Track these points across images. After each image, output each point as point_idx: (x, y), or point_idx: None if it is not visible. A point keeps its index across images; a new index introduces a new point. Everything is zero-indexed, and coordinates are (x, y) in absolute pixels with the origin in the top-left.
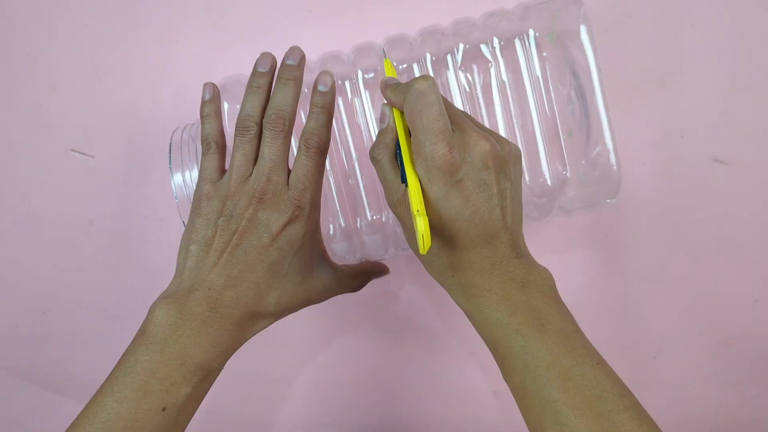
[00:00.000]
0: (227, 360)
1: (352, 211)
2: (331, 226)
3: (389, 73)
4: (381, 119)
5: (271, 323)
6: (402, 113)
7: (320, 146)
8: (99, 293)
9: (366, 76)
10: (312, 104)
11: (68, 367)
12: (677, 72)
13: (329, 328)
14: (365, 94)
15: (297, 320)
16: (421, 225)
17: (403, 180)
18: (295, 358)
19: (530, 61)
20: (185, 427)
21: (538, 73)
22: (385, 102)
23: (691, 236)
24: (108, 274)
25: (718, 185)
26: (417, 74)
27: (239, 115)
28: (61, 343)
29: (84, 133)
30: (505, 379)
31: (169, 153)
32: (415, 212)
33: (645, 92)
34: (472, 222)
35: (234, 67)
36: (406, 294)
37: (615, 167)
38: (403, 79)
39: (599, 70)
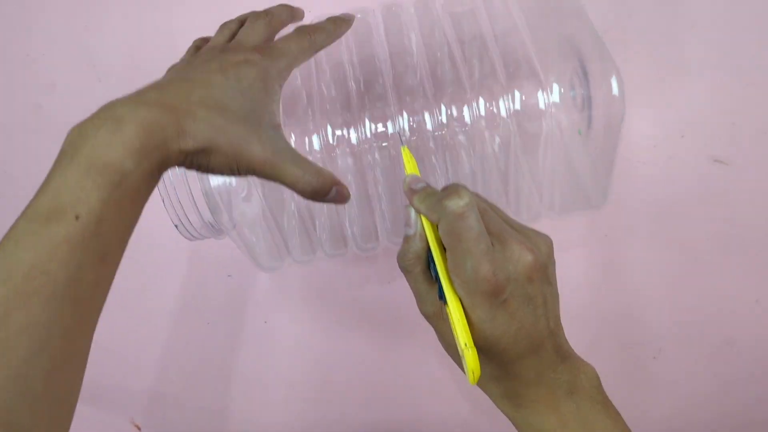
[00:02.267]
0: (150, 169)
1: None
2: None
3: (410, 167)
4: (407, 223)
5: (192, 154)
6: (430, 221)
7: (313, 39)
8: None
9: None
10: (328, 19)
11: None
12: (677, 72)
13: (329, 328)
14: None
15: (297, 320)
16: (471, 359)
17: (440, 296)
18: (295, 358)
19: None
20: (111, 245)
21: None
22: (409, 205)
23: (691, 236)
24: None
25: (718, 185)
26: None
27: None
28: None
29: None
30: None
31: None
32: (464, 346)
33: (645, 92)
34: (518, 337)
35: None
36: (406, 294)
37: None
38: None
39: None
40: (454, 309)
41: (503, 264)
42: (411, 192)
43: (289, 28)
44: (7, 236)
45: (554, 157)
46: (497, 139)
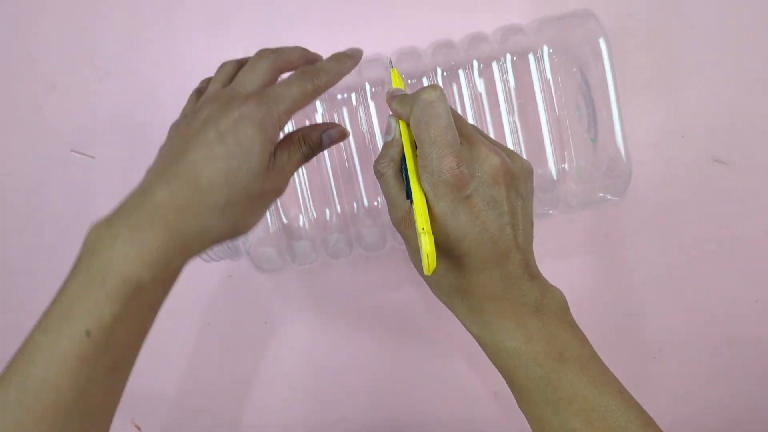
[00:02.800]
0: (168, 275)
1: (349, 203)
2: (328, 210)
3: (396, 83)
4: (386, 131)
5: (214, 239)
6: (408, 125)
7: (316, 85)
8: None
9: (373, 89)
10: (330, 57)
11: None
12: (677, 72)
13: (329, 328)
14: (371, 106)
15: (297, 320)
16: (426, 244)
17: (408, 196)
18: (295, 358)
19: (542, 71)
20: (123, 355)
21: (549, 77)
22: (391, 114)
23: (692, 236)
24: None
25: (718, 185)
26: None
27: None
28: None
29: (84, 133)
30: (521, 408)
31: None
32: (420, 230)
33: (645, 92)
34: (481, 241)
35: None
36: (406, 294)
37: (626, 166)
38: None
39: (615, 82)
40: (416, 197)
41: (469, 161)
42: (391, 98)
43: None
44: (21, 349)
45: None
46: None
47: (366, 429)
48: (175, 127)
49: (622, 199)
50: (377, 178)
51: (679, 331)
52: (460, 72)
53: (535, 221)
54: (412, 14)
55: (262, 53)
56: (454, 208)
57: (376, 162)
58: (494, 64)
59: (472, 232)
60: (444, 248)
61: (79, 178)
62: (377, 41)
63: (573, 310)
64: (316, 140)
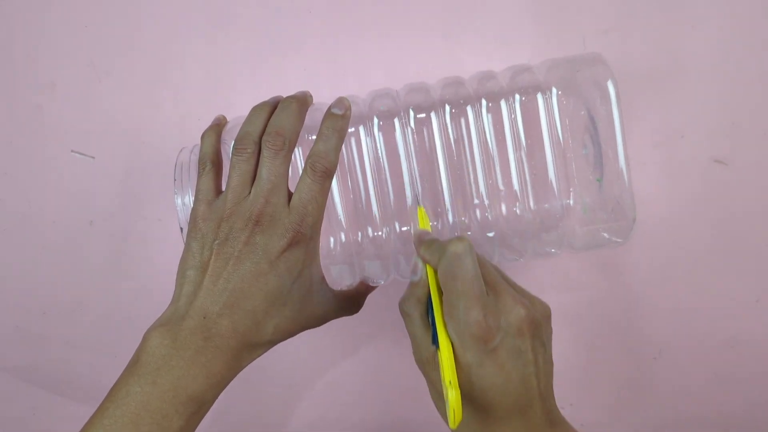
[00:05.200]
0: (221, 391)
1: (354, 229)
2: (332, 239)
3: (423, 223)
4: (413, 271)
5: (267, 350)
6: (435, 270)
7: (327, 170)
8: (99, 294)
9: (418, 115)
10: (323, 126)
11: (68, 368)
12: (677, 72)
13: (330, 328)
14: (408, 132)
15: None
16: (453, 398)
17: (434, 341)
18: (296, 358)
19: (550, 110)
20: None
21: (557, 118)
22: (417, 256)
23: (692, 236)
24: (108, 275)
25: (718, 185)
26: (434, 125)
27: (238, 134)
28: (61, 344)
29: (84, 134)
30: None
31: (174, 173)
32: (447, 383)
33: (645, 92)
34: (506, 392)
35: (234, 68)
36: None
37: (630, 209)
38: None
39: (623, 125)
40: (444, 349)
41: (495, 313)
42: (419, 242)
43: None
44: None
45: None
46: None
47: (366, 429)
48: (205, 225)
49: (626, 242)
50: (402, 316)
51: (679, 331)
52: (468, 108)
53: (540, 257)
54: (412, 15)
55: (274, 145)
56: (480, 359)
57: (403, 301)
58: (502, 102)
59: (497, 383)
60: (469, 397)
61: (79, 178)
62: (378, 42)
63: (574, 310)
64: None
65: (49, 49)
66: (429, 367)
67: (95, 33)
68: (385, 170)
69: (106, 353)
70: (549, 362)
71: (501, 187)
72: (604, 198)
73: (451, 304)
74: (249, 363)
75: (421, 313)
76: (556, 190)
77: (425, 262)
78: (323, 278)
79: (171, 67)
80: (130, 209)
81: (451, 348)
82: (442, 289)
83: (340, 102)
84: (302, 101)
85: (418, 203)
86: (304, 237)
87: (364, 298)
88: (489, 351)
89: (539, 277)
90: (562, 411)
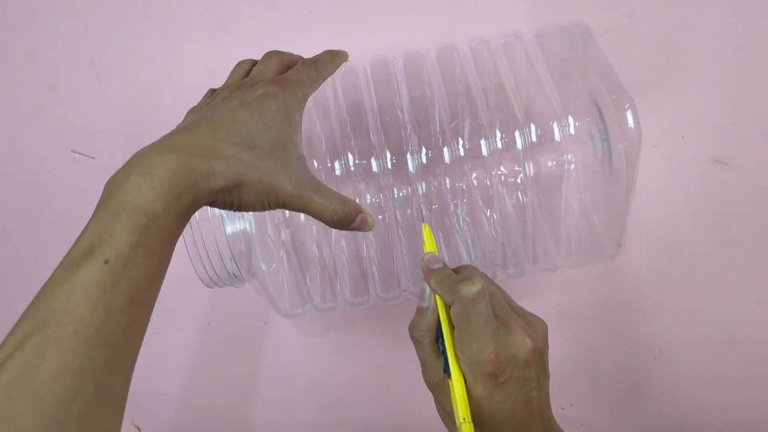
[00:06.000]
0: (179, 210)
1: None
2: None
3: (428, 243)
4: (420, 297)
5: (225, 187)
6: (443, 301)
7: (318, 68)
8: None
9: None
10: (323, 52)
11: None
12: (677, 72)
13: (329, 327)
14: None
15: (297, 319)
16: None
17: (445, 370)
18: (296, 357)
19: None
20: (142, 287)
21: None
22: (424, 279)
23: (692, 236)
24: None
25: (718, 185)
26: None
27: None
28: None
29: (84, 134)
30: None
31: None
32: (462, 420)
33: (645, 92)
34: (511, 416)
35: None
36: (407, 294)
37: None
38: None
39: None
40: (457, 384)
41: (506, 348)
42: (429, 272)
43: None
44: (44, 285)
45: (572, 198)
46: (517, 181)
47: (366, 429)
48: (194, 108)
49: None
50: (413, 341)
51: (679, 332)
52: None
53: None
54: (411, 15)
55: (271, 53)
56: (489, 392)
57: (412, 327)
58: (517, 133)
59: (504, 410)
60: (477, 422)
61: (79, 178)
62: (377, 42)
63: (574, 310)
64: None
65: (49, 49)
66: (439, 390)
67: (95, 33)
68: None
69: None
70: (547, 378)
71: (499, 145)
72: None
73: (465, 342)
74: (208, 188)
75: (431, 341)
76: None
77: (434, 291)
78: (303, 156)
79: (171, 67)
80: None
81: (463, 383)
82: (455, 327)
83: (341, 51)
84: (283, 60)
85: (423, 220)
86: (281, 92)
87: (348, 212)
88: (499, 384)
89: (539, 277)
90: (561, 411)
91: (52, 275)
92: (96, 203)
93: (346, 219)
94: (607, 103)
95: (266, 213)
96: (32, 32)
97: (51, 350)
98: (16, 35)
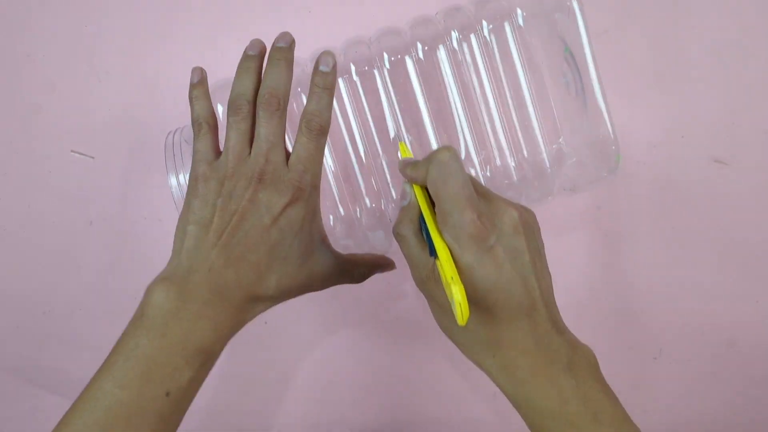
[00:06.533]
0: (227, 342)
1: (352, 201)
2: (332, 216)
3: (405, 155)
4: (402, 197)
5: (270, 306)
6: (423, 189)
7: (322, 128)
8: (99, 294)
9: (392, 58)
10: (313, 84)
11: (68, 368)
12: (677, 72)
13: (330, 327)
14: (386, 76)
15: (297, 319)
16: (458, 293)
17: (432, 253)
18: (296, 357)
19: (520, 41)
20: (186, 409)
21: (530, 50)
22: (405, 181)
23: (692, 236)
24: (108, 275)
25: (718, 185)
26: (410, 65)
27: (230, 95)
28: (61, 343)
29: (84, 134)
30: None
31: (165, 156)
32: (449, 280)
33: (645, 92)
34: (509, 291)
35: (233, 68)
36: (407, 293)
37: (612, 136)
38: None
39: (591, 44)
40: (441, 251)
41: (489, 215)
42: (404, 164)
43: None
44: (91, 397)
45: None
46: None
47: (366, 429)
48: (202, 188)
49: (616, 175)
50: (397, 241)
51: (679, 332)
52: (441, 47)
53: (536, 202)
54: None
55: (268, 109)
56: (479, 259)
57: (396, 225)
58: (472, 36)
59: (499, 282)
60: (472, 301)
61: (79, 178)
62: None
63: (573, 309)
64: (364, 273)
65: (49, 49)
66: (430, 283)
67: (95, 33)
68: (370, 125)
69: (106, 353)
70: (547, 271)
71: (489, 131)
72: (586, 132)
73: (445, 211)
74: (253, 317)
75: (415, 232)
76: (540, 139)
77: (412, 181)
78: (325, 237)
79: (171, 67)
80: (130, 209)
81: (448, 250)
82: (434, 199)
83: (326, 58)
84: (288, 54)
85: (399, 139)
86: (304, 193)
87: (371, 270)
88: (486, 250)
89: None
90: None
91: (101, 387)
92: (97, 203)
93: (370, 275)
94: (564, 25)
95: None
96: (32, 32)
97: None
98: (16, 35)
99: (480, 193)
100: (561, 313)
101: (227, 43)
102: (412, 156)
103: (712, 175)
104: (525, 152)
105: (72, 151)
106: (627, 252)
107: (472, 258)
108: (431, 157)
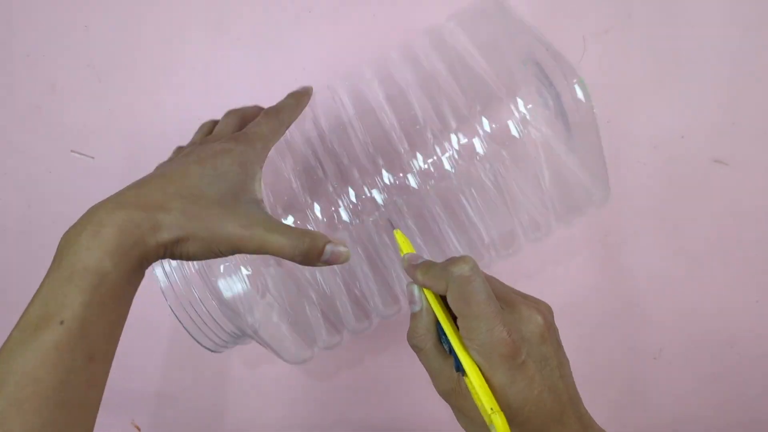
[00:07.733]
0: (129, 267)
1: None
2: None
3: (405, 247)
4: (410, 300)
5: (175, 238)
6: (434, 294)
7: (280, 113)
8: None
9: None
10: (286, 97)
11: None
12: (677, 72)
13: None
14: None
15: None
16: (500, 424)
17: (458, 368)
18: None
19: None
20: (99, 344)
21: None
22: (410, 282)
23: (692, 237)
24: None
25: (718, 185)
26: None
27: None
28: None
29: (84, 134)
30: None
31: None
32: (490, 411)
33: (645, 92)
34: (540, 402)
35: (233, 68)
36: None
37: (591, 189)
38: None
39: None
40: (473, 374)
41: (516, 325)
42: (412, 268)
43: None
44: (2, 347)
45: (544, 166)
46: (486, 169)
47: (366, 429)
48: (160, 164)
49: (606, 201)
50: (414, 351)
51: (679, 331)
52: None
53: (549, 237)
54: (413, 15)
55: (231, 111)
56: (512, 377)
57: (411, 336)
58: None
59: (531, 397)
60: (507, 417)
61: (79, 178)
62: (378, 42)
63: (573, 310)
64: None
65: (49, 49)
66: (455, 396)
67: (95, 33)
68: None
69: None
70: (567, 362)
71: (458, 149)
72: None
73: (470, 327)
74: (156, 244)
75: (434, 344)
76: (522, 237)
77: (425, 287)
78: (259, 200)
79: (171, 68)
80: None
81: (479, 373)
82: (457, 314)
83: (305, 87)
84: (305, 98)
85: (392, 226)
86: (237, 146)
87: (320, 244)
88: (518, 366)
89: (539, 276)
90: None
91: (9, 337)
92: (96, 203)
93: (313, 252)
94: (545, 59)
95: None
96: (32, 32)
97: (11, 412)
98: (16, 35)
99: (501, 298)
100: (561, 313)
101: (227, 43)
102: (413, 248)
103: (712, 175)
104: (511, 249)
105: (72, 151)
106: (627, 252)
107: (504, 378)
108: (450, 270)
